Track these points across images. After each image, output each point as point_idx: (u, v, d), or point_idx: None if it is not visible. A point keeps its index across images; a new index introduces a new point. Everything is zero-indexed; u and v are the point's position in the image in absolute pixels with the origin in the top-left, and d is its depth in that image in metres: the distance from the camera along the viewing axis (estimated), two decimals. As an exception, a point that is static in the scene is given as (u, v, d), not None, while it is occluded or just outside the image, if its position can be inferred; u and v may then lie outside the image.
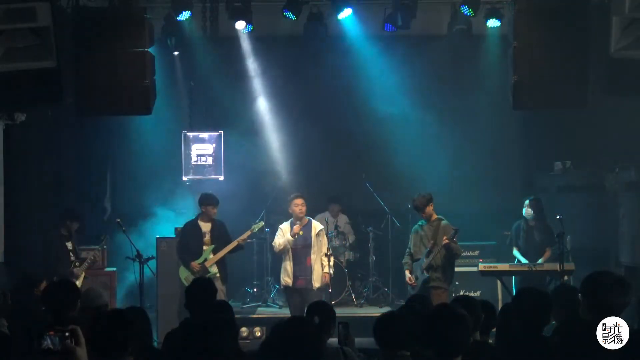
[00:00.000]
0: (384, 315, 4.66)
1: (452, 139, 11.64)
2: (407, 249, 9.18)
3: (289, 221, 9.17)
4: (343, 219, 11.69)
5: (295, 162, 11.69)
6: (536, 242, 9.39)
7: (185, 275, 9.12)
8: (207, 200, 9.33)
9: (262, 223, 9.86)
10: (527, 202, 9.48)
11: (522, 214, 9.53)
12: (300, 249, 9.08)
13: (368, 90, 11.57)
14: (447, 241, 8.62)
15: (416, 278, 8.91)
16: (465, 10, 9.39)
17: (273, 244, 9.29)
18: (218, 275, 9.04)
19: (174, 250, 9.61)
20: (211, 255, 9.24)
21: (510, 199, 10.55)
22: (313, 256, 9.04)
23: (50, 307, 5.36)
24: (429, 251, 8.81)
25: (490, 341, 5.11)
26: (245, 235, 9.34)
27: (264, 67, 11.26)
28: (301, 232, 9.06)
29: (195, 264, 9.17)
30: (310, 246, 9.06)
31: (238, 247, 9.35)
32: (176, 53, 10.70)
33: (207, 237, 9.31)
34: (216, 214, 9.35)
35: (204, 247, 9.28)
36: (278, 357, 4.25)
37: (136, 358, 3.68)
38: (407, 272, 9.00)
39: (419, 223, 9.12)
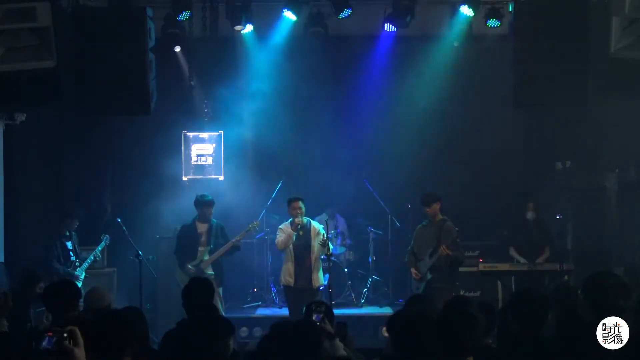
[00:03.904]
0: (397, 314, 4.59)
1: (452, 139, 11.63)
2: (409, 248, 9.20)
3: (289, 221, 9.19)
4: (342, 222, 11.67)
5: (295, 162, 11.69)
6: (534, 241, 9.40)
7: (180, 278, 9.11)
8: (201, 202, 9.33)
9: (257, 222, 9.83)
10: (529, 204, 9.51)
11: (520, 213, 9.55)
12: (301, 249, 9.10)
13: (368, 90, 11.57)
14: (447, 252, 8.66)
15: (419, 277, 8.94)
16: (465, 10, 9.39)
17: (276, 242, 9.26)
18: (213, 277, 8.98)
19: (174, 250, 9.61)
20: (207, 257, 9.24)
21: (511, 199, 10.55)
22: (313, 256, 9.08)
23: (50, 307, 5.35)
24: (433, 252, 8.83)
25: (490, 341, 5.11)
26: (240, 236, 9.35)
27: (264, 67, 11.25)
28: (301, 233, 9.07)
29: (190, 266, 9.16)
30: (310, 247, 9.09)
31: (234, 248, 9.35)
32: (178, 49, 10.71)
33: (204, 239, 9.31)
34: (212, 213, 9.35)
35: (200, 249, 9.28)
36: (277, 357, 4.25)
37: (134, 359, 3.68)
38: (412, 269, 9.03)
39: (423, 223, 9.16)
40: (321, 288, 9.20)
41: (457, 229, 8.91)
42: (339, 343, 5.15)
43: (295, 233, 9.01)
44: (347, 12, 9.54)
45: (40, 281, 7.06)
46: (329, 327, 5.15)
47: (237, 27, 9.69)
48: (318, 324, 4.97)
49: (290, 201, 9.11)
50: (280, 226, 9.28)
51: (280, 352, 4.34)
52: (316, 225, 9.20)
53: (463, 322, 3.72)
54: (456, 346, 3.68)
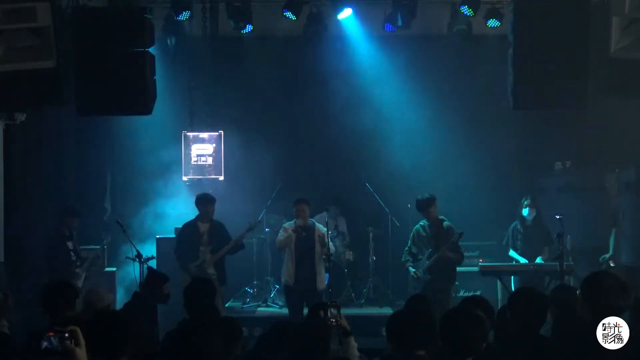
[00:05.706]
0: (397, 314, 4.62)
1: (452, 139, 11.63)
2: (407, 248, 9.20)
3: (293, 221, 9.21)
4: (342, 221, 11.67)
5: (295, 162, 11.69)
6: (534, 242, 9.41)
7: (182, 278, 9.08)
8: (204, 200, 9.33)
9: (259, 221, 9.87)
10: (526, 202, 9.49)
11: (520, 213, 9.54)
12: (303, 250, 9.12)
13: (368, 90, 11.58)
14: (448, 254, 8.69)
15: (418, 277, 8.95)
16: (465, 10, 9.39)
17: (276, 241, 9.32)
18: (215, 277, 8.98)
19: (173, 250, 9.60)
20: (209, 257, 9.24)
21: (510, 199, 10.55)
22: (316, 257, 9.09)
23: (47, 308, 5.35)
24: (431, 252, 8.83)
25: (490, 341, 5.11)
26: (243, 234, 9.36)
27: (263, 67, 11.26)
28: (304, 234, 9.09)
29: (192, 266, 9.16)
30: (314, 248, 9.11)
31: (238, 247, 9.36)
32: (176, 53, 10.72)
33: (205, 238, 9.30)
34: (214, 211, 9.35)
35: (202, 249, 9.28)
36: (278, 356, 4.24)
37: (130, 358, 3.67)
38: (410, 268, 9.04)
39: (421, 223, 9.14)
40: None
41: (459, 232, 8.92)
42: (354, 342, 5.16)
43: (296, 234, 9.04)
44: (347, 12, 9.55)
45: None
46: (345, 323, 5.15)
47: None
48: (333, 320, 4.98)
49: (297, 203, 9.13)
50: (284, 225, 9.31)
51: (284, 352, 4.34)
52: (320, 229, 9.20)
53: (469, 323, 3.72)
54: (460, 347, 3.68)
